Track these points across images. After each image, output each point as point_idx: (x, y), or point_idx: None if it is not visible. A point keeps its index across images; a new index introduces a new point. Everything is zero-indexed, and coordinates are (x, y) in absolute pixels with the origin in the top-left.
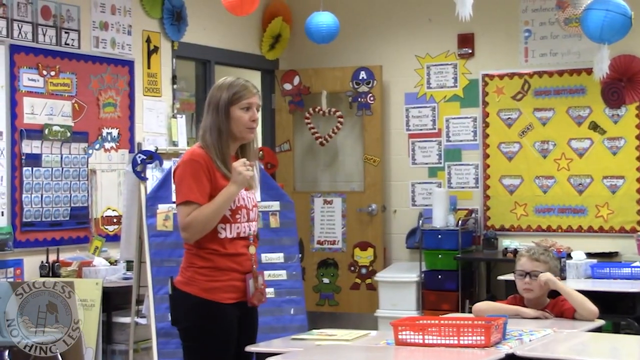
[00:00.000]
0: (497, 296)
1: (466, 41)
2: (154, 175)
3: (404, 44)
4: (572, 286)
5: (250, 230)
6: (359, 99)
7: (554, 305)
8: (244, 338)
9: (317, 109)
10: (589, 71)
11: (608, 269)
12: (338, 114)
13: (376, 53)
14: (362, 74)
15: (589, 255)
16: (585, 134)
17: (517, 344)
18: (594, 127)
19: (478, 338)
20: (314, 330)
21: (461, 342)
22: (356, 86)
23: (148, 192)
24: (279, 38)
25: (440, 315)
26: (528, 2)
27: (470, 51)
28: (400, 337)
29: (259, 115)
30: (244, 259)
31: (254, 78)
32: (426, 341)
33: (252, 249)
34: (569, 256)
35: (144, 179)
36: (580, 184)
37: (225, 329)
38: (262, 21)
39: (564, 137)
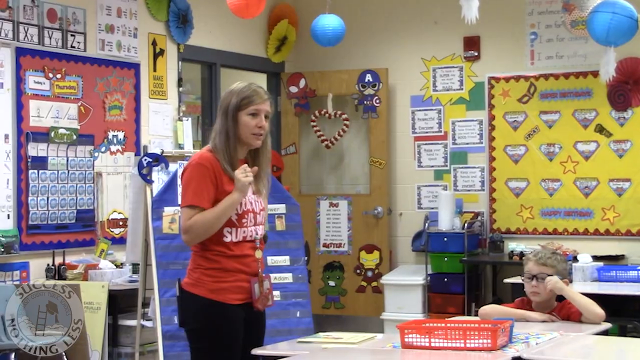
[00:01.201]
0: (503, 299)
1: (472, 44)
2: (159, 178)
3: (410, 46)
4: (579, 289)
5: (256, 234)
6: (365, 102)
7: (561, 308)
8: (251, 341)
9: (323, 112)
10: (595, 74)
11: (614, 272)
12: (344, 116)
13: (382, 56)
14: (368, 77)
15: (595, 258)
16: (591, 136)
17: (523, 347)
18: (600, 129)
19: (484, 341)
20: (320, 334)
21: (468, 345)
22: (362, 89)
23: (154, 195)
24: (285, 40)
25: (446, 319)
26: (534, 4)
27: (476, 54)
28: (406, 340)
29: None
30: (251, 260)
31: (260, 81)
32: (432, 344)
33: (258, 253)
34: (575, 259)
35: (149, 181)
36: (587, 186)
37: (232, 329)
38: (268, 24)
39: (570, 139)
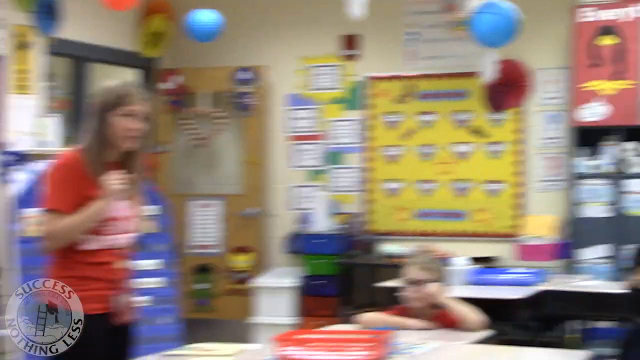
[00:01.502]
0: (378, 302)
1: (351, 43)
2: (21, 178)
3: (289, 44)
4: (455, 294)
5: (121, 242)
6: (241, 100)
7: (443, 315)
8: (118, 352)
9: (197, 110)
10: (474, 75)
11: (489, 275)
12: (219, 114)
13: (260, 53)
14: (245, 74)
15: (469, 260)
16: (467, 138)
17: (406, 358)
18: (476, 131)
19: (366, 353)
20: (190, 345)
21: (348, 357)
22: (238, 86)
23: (16, 195)
24: (161, 36)
25: (324, 328)
26: (414, 4)
27: (355, 53)
28: (282, 353)
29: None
30: (112, 268)
31: (132, 77)
32: (311, 357)
33: (120, 262)
34: (449, 261)
35: (10, 181)
36: (461, 188)
37: (92, 341)
38: (142, 17)
39: (446, 141)
